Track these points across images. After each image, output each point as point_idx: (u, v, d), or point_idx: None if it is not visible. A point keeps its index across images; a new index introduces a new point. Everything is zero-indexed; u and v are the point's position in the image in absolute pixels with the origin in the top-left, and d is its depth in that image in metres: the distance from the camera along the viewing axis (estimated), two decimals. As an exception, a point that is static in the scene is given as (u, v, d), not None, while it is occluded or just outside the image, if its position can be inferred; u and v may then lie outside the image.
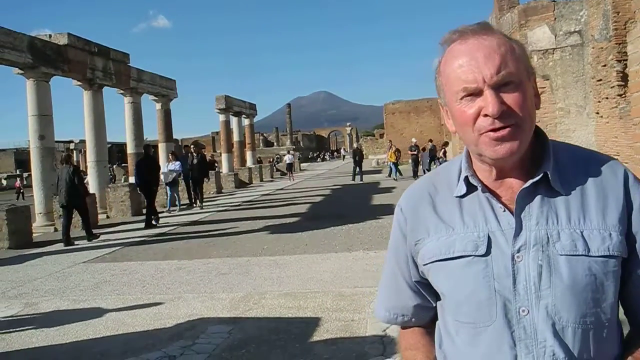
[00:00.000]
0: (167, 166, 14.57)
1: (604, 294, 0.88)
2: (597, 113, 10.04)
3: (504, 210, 0.91)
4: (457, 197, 0.96)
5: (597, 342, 0.88)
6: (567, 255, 0.87)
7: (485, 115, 0.86)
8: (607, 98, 9.44)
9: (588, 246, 0.87)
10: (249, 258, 7.25)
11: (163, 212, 13.35)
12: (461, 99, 0.88)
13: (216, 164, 23.01)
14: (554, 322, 0.87)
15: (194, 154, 15.10)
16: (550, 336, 0.86)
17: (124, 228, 11.52)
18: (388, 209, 11.55)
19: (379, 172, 26.55)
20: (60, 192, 9.58)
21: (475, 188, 0.94)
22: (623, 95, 8.40)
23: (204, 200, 15.34)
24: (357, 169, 21.48)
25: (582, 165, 0.94)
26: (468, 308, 0.92)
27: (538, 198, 0.90)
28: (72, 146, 54.11)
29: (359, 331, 4.06)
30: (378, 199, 14.05)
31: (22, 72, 11.89)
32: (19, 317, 5.08)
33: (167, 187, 14.33)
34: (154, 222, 11.34)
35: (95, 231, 10.22)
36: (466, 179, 0.95)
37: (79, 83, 14.18)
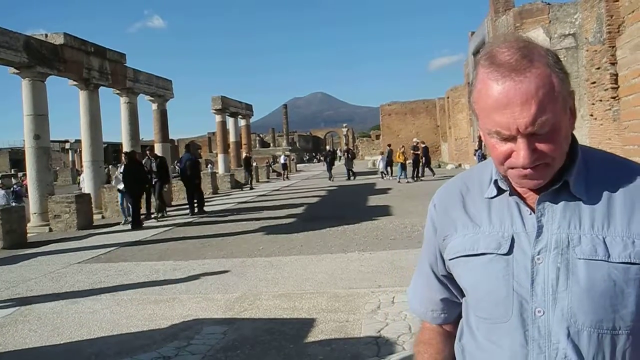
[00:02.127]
0: (118, 170, 13.04)
1: (624, 301, 0.87)
2: (591, 115, 10.11)
3: (530, 213, 0.94)
4: (487, 198, 0.99)
5: (614, 349, 0.88)
6: (585, 259, 0.88)
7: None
8: (600, 100, 9.51)
9: (608, 252, 0.87)
10: (244, 259, 7.26)
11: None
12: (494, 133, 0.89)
13: (251, 161, 23.01)
14: (569, 325, 0.88)
15: (152, 157, 13.09)
16: (564, 338, 0.88)
17: (121, 228, 11.51)
18: (384, 210, 11.58)
19: (373, 173, 26.56)
20: (123, 181, 11.63)
21: (505, 190, 0.97)
22: (617, 98, 8.45)
23: (167, 210, 13.45)
24: (330, 169, 24.39)
25: (612, 172, 0.94)
26: (487, 304, 0.96)
27: (562, 202, 0.92)
28: (67, 146, 53.84)
29: (353, 332, 4.07)
30: (374, 200, 14.08)
31: (17, 71, 11.87)
32: (12, 318, 5.07)
33: (120, 195, 12.54)
34: (203, 209, 13.39)
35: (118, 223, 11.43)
36: (496, 182, 0.98)
37: (75, 83, 14.15)
